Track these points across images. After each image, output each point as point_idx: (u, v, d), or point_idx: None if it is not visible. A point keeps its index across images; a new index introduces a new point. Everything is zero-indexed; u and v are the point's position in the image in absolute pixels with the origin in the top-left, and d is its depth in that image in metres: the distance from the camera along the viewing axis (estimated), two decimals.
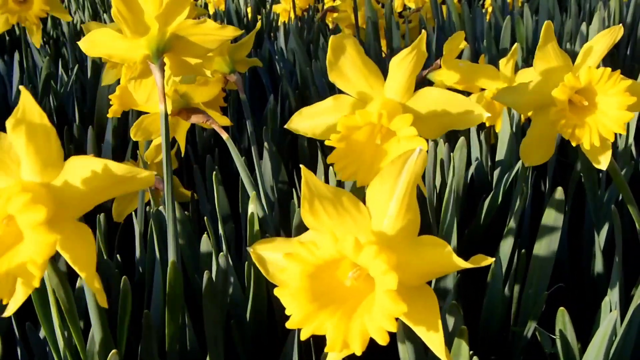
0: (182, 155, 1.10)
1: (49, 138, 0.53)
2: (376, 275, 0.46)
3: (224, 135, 0.86)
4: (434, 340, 0.51)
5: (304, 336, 0.49)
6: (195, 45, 0.77)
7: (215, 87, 1.07)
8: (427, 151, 0.95)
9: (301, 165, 0.51)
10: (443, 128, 0.69)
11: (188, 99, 1.00)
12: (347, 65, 0.68)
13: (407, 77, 0.68)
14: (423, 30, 0.69)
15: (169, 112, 0.81)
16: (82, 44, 0.76)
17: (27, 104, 0.52)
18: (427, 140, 0.92)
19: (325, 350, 0.48)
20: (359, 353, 0.48)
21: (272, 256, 0.54)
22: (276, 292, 0.49)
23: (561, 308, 0.76)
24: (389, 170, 0.50)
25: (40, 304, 0.71)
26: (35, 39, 1.47)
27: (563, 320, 0.76)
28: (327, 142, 0.66)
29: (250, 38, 1.08)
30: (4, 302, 0.51)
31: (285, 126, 0.72)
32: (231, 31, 0.77)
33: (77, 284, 0.86)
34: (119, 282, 0.75)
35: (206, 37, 0.76)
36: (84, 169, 0.53)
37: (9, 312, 0.56)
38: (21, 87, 0.54)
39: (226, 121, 1.03)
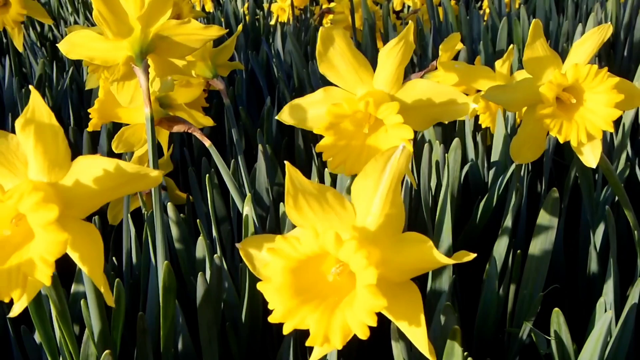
0: (165, 157, 1.10)
1: (57, 138, 0.53)
2: (356, 270, 0.47)
3: (207, 142, 0.85)
4: (417, 336, 0.51)
5: (286, 330, 0.49)
6: (179, 45, 0.76)
7: (197, 88, 1.07)
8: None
9: (286, 162, 0.51)
10: (431, 119, 0.70)
11: (170, 100, 1.00)
12: (336, 56, 0.69)
13: (395, 67, 0.68)
14: (410, 22, 0.70)
15: None
16: (62, 46, 0.75)
17: (36, 104, 0.53)
18: (415, 132, 0.92)
19: (307, 344, 0.49)
20: (339, 347, 0.48)
21: (259, 252, 0.55)
22: (259, 286, 0.50)
23: (556, 309, 0.75)
24: (373, 166, 0.50)
25: (35, 307, 0.71)
26: (17, 42, 1.47)
27: (558, 321, 0.76)
28: (315, 130, 0.67)
29: (232, 42, 1.08)
30: (15, 301, 0.51)
31: (276, 117, 0.73)
32: (215, 31, 0.76)
33: (72, 289, 0.86)
34: (114, 285, 0.75)
35: (190, 37, 0.76)
36: (92, 169, 0.54)
37: (15, 313, 0.56)
38: (31, 87, 0.55)
39: (209, 121, 1.03)
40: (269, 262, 0.49)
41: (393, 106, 0.64)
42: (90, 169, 0.53)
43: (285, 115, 0.73)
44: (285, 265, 0.49)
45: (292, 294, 0.49)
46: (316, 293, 0.50)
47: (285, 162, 0.51)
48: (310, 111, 0.72)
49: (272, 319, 0.49)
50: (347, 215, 0.51)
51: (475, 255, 0.50)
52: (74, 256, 0.53)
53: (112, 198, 0.56)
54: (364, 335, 0.47)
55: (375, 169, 0.50)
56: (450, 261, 0.49)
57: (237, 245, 0.55)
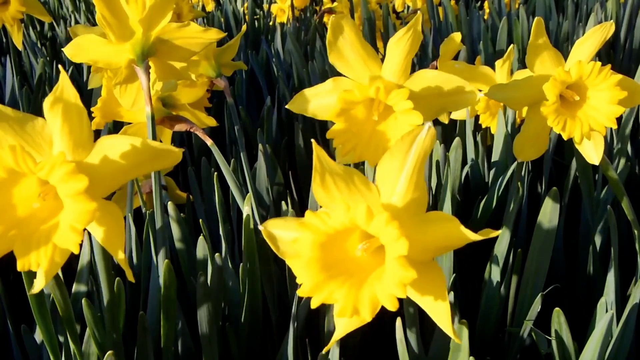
0: None
1: (82, 118, 0.55)
2: (387, 242, 0.47)
3: (209, 142, 0.85)
4: (441, 314, 0.51)
5: (314, 304, 0.49)
6: (179, 48, 0.77)
7: (201, 88, 1.07)
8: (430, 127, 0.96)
9: (312, 140, 0.52)
10: (439, 108, 0.71)
11: (174, 100, 1.00)
12: (346, 46, 0.69)
13: (403, 57, 0.68)
14: (418, 12, 0.70)
15: None
16: (68, 50, 0.76)
17: (64, 84, 0.54)
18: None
19: (336, 316, 0.49)
20: (368, 319, 0.48)
21: (283, 233, 0.55)
22: (289, 262, 0.51)
23: (557, 308, 0.76)
24: (399, 146, 0.51)
25: (38, 306, 0.71)
26: (17, 40, 1.47)
27: (559, 320, 0.76)
28: (326, 117, 0.68)
29: (235, 41, 1.08)
30: (43, 268, 0.52)
31: (287, 106, 0.73)
32: (215, 34, 0.77)
33: (73, 289, 0.86)
34: (114, 284, 0.75)
35: (190, 40, 0.77)
36: (114, 147, 0.55)
37: (36, 289, 0.57)
38: (60, 67, 0.56)
39: (212, 121, 1.03)
40: (298, 237, 0.50)
41: (403, 92, 0.65)
42: (114, 147, 0.55)
43: (296, 105, 0.73)
44: (314, 239, 0.49)
45: (320, 269, 0.50)
46: (343, 269, 0.51)
47: (312, 140, 0.52)
48: (320, 100, 0.72)
49: (300, 292, 0.49)
50: (372, 197, 0.52)
51: (500, 232, 0.49)
52: (98, 232, 0.56)
53: (134, 176, 0.58)
54: (393, 306, 0.47)
55: (401, 149, 0.51)
56: (478, 237, 0.49)
57: (260, 226, 0.56)
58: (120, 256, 0.56)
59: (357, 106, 0.69)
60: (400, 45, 0.68)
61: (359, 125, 0.70)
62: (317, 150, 0.51)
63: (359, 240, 0.52)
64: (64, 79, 0.54)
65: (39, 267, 0.52)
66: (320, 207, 0.53)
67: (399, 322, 0.69)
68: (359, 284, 0.50)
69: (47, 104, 0.54)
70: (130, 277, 0.58)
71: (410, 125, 0.64)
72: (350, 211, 0.48)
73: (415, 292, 0.52)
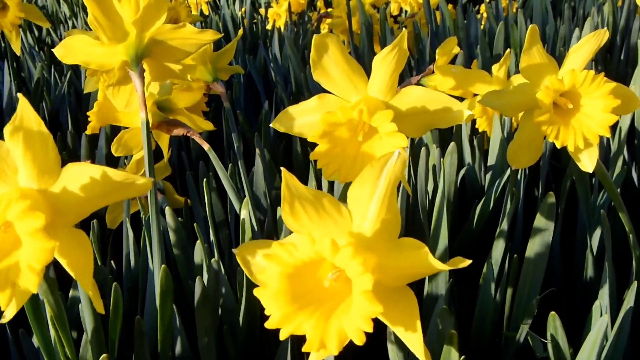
0: (163, 160, 1.10)
1: (47, 145, 0.53)
2: (353, 276, 0.47)
3: (205, 146, 0.86)
4: (413, 341, 0.51)
5: (283, 336, 0.49)
6: (174, 49, 0.76)
7: (198, 92, 1.07)
8: (408, 149, 0.96)
9: (282, 168, 0.51)
10: (426, 126, 0.70)
11: (170, 104, 1.00)
12: (330, 64, 0.69)
13: (389, 75, 0.68)
14: (404, 29, 0.70)
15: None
16: (57, 50, 0.74)
17: (24, 111, 0.53)
18: (410, 139, 0.92)
19: (303, 349, 0.49)
20: (335, 353, 0.48)
21: (256, 258, 0.55)
22: (255, 292, 0.50)
23: (552, 312, 0.76)
24: (369, 172, 0.51)
25: (33, 311, 0.71)
26: (15, 46, 1.47)
27: (554, 324, 0.76)
28: (309, 139, 0.67)
29: (232, 45, 1.08)
30: (3, 307, 0.51)
31: (271, 125, 0.73)
32: (210, 35, 0.76)
33: (70, 294, 0.86)
34: (112, 288, 0.76)
35: (185, 41, 0.76)
36: (81, 176, 0.53)
37: (6, 319, 0.56)
38: (19, 95, 0.54)
39: (209, 126, 1.03)
40: (265, 268, 0.49)
41: (387, 114, 0.64)
42: (79, 176, 0.53)
43: (279, 123, 0.72)
44: (281, 271, 0.49)
45: (288, 300, 0.49)
46: (313, 299, 0.50)
47: (282, 168, 0.51)
48: (304, 118, 0.72)
49: (268, 324, 0.49)
50: (344, 221, 0.51)
51: (470, 261, 0.50)
52: (63, 262, 0.54)
53: (101, 205, 0.56)
54: (360, 341, 0.47)
55: (372, 175, 0.51)
56: (445, 267, 0.49)
57: (234, 250, 0.55)
58: (87, 286, 0.54)
59: (340, 127, 0.68)
60: (386, 62, 0.67)
61: (343, 145, 0.69)
62: (286, 177, 0.51)
63: (331, 268, 0.50)
64: (24, 106, 0.52)
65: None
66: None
67: (389, 327, 0.70)
68: (327, 315, 0.49)
69: (6, 132, 0.52)
70: (100, 309, 0.56)
71: (395, 147, 0.63)
72: (316, 244, 0.47)
73: (387, 319, 0.52)
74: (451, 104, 0.68)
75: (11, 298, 0.50)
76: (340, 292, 0.51)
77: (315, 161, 0.69)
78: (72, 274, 0.54)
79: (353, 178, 0.68)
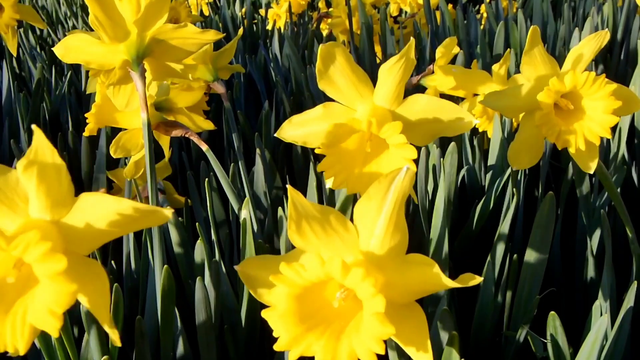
0: (166, 159, 1.11)
1: (60, 176, 0.51)
2: (364, 298, 0.46)
3: (204, 147, 0.85)
4: (422, 357, 0.50)
5: (292, 358, 0.48)
6: (175, 48, 0.75)
7: (198, 92, 1.07)
8: (418, 160, 0.95)
9: (288, 185, 0.50)
10: (433, 135, 0.69)
11: (170, 104, 1.00)
12: (336, 73, 0.68)
13: (396, 84, 0.67)
14: (412, 38, 0.69)
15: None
16: (57, 49, 0.74)
17: (39, 144, 0.50)
18: (419, 148, 0.92)
19: None
20: None
21: (259, 274, 0.54)
22: (264, 314, 0.49)
23: (552, 312, 0.76)
24: (376, 188, 0.50)
25: None
26: (11, 47, 1.47)
27: (554, 324, 0.76)
28: (316, 151, 0.66)
29: (232, 45, 1.08)
30: (21, 352, 0.48)
31: (276, 134, 0.71)
32: (212, 35, 0.76)
33: None
34: (112, 288, 0.76)
35: (186, 41, 0.75)
36: (97, 208, 0.51)
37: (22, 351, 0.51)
38: (33, 127, 0.51)
39: (210, 125, 1.03)
40: (272, 289, 0.49)
41: (396, 126, 0.63)
42: (95, 208, 0.51)
43: (284, 133, 0.71)
44: (289, 292, 0.48)
45: (297, 321, 0.48)
46: (321, 318, 0.50)
47: (288, 185, 0.50)
48: (309, 128, 0.70)
49: (277, 347, 0.48)
50: (350, 238, 0.51)
51: (482, 279, 0.49)
52: (82, 301, 0.51)
53: (119, 234, 0.53)
54: None
55: (379, 191, 0.50)
56: (455, 285, 0.49)
57: (236, 267, 0.54)
58: (104, 320, 0.52)
59: (348, 138, 0.67)
60: (393, 72, 0.67)
61: (350, 156, 0.68)
62: (292, 194, 0.50)
63: (338, 286, 0.50)
64: (39, 138, 0.50)
65: (15, 349, 0.47)
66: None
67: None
68: (337, 334, 0.49)
69: (20, 167, 0.50)
70: (116, 342, 0.52)
71: (403, 159, 0.62)
72: (326, 265, 0.47)
73: (397, 338, 0.51)
74: (457, 112, 0.67)
75: (30, 342, 0.48)
76: (349, 311, 0.50)
77: (316, 162, 0.69)
78: (92, 311, 0.52)
79: (360, 190, 0.68)
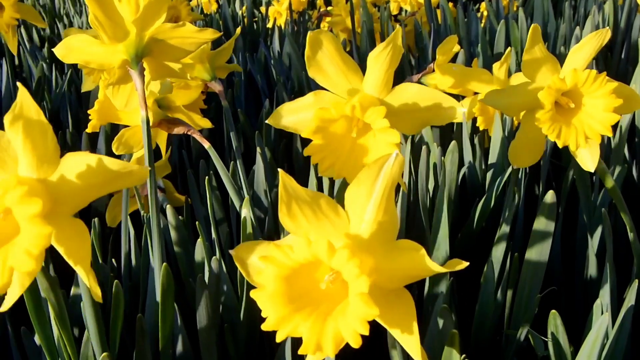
0: (163, 159, 1.10)
1: (46, 134, 0.54)
2: (349, 278, 0.47)
3: (206, 144, 0.86)
4: (410, 343, 0.51)
5: (279, 338, 0.49)
6: (174, 48, 0.76)
7: (196, 90, 1.07)
8: (404, 145, 0.96)
9: (279, 170, 0.51)
10: (422, 123, 0.70)
11: (169, 102, 1.00)
12: (325, 60, 0.69)
13: (384, 71, 0.68)
14: (398, 26, 0.70)
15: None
16: (58, 50, 0.74)
17: (24, 100, 0.53)
18: (411, 137, 0.92)
19: (299, 352, 0.49)
20: (331, 355, 0.48)
21: (252, 259, 0.55)
22: (252, 294, 0.50)
23: (553, 311, 0.76)
24: (366, 174, 0.50)
25: (35, 309, 0.71)
26: (11, 46, 1.47)
27: (555, 323, 0.76)
28: (303, 135, 0.67)
29: (230, 44, 1.08)
30: (0, 293, 0.51)
31: (267, 121, 0.73)
32: (210, 34, 0.76)
33: (72, 292, 0.86)
34: (112, 287, 0.76)
35: (185, 40, 0.76)
36: (79, 165, 0.54)
37: (5, 307, 0.57)
38: (18, 84, 0.55)
39: (207, 123, 1.03)
40: (262, 270, 0.49)
41: (380, 110, 0.64)
42: (77, 165, 0.54)
43: (275, 120, 0.73)
44: (278, 273, 0.49)
45: (285, 302, 0.49)
46: (309, 300, 0.50)
47: (279, 169, 0.51)
48: (299, 115, 0.72)
49: (265, 326, 0.49)
50: (341, 222, 0.51)
51: (467, 263, 0.50)
52: (60, 250, 0.54)
53: (99, 194, 0.56)
54: (356, 344, 0.47)
55: (369, 177, 0.50)
56: (442, 270, 0.49)
57: (231, 251, 0.55)
58: (84, 274, 0.55)
59: (334, 123, 0.68)
60: (380, 59, 0.67)
61: (337, 141, 0.69)
62: (283, 178, 0.50)
63: (327, 270, 0.50)
64: (23, 95, 0.53)
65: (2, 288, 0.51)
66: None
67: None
68: (324, 317, 0.49)
69: (6, 121, 0.53)
70: (98, 298, 0.57)
71: (388, 143, 0.64)
72: (313, 246, 0.47)
73: (383, 321, 0.51)
74: (445, 101, 0.68)
75: (9, 284, 0.51)
76: (337, 294, 0.50)
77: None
78: (69, 261, 0.55)
79: (347, 174, 0.69)
